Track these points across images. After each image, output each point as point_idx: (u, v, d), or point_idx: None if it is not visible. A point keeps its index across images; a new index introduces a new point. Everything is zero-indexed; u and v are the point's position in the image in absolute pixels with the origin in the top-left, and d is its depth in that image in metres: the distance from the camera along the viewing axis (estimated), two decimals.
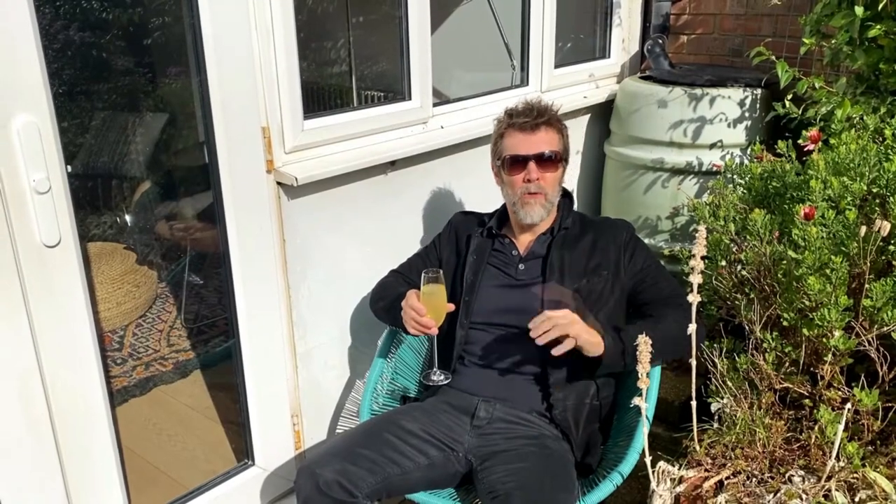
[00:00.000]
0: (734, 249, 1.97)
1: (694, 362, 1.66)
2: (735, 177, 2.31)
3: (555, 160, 1.84)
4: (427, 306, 1.73)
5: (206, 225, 2.80)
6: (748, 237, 1.88)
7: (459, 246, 1.98)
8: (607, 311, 1.81)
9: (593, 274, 1.82)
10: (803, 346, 1.76)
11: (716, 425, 1.82)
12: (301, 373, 2.14)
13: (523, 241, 1.92)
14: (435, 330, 1.75)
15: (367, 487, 1.58)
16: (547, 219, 1.89)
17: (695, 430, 1.78)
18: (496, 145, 1.92)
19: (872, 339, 1.68)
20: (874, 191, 1.86)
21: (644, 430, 1.59)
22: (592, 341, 1.64)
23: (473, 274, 1.89)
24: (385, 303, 1.95)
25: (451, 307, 1.79)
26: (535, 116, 1.85)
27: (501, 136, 1.89)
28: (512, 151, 1.85)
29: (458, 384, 1.83)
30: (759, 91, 2.63)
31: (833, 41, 2.25)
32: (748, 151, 2.58)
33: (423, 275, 1.73)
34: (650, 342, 1.45)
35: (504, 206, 1.98)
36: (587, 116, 3.05)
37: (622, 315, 1.86)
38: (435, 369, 1.82)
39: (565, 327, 1.59)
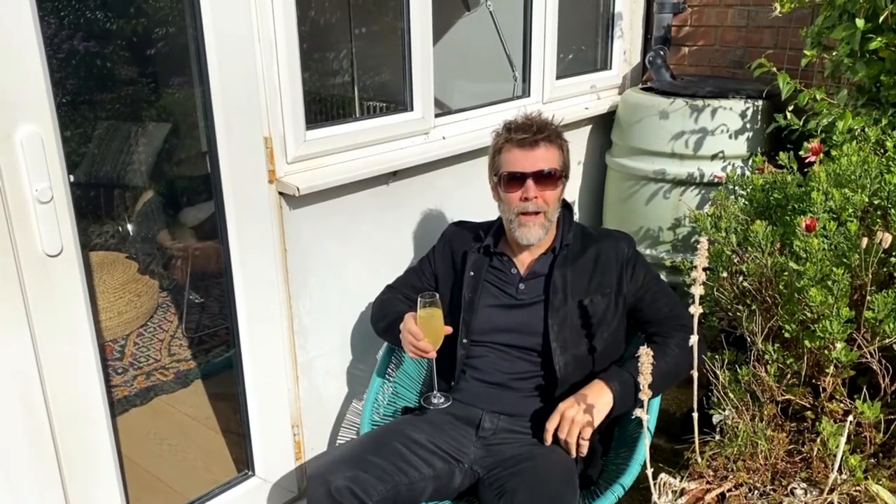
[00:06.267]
0: (735, 261, 1.97)
1: (696, 374, 1.65)
2: (736, 188, 2.32)
3: (554, 177, 1.77)
4: (424, 330, 1.70)
5: (207, 234, 2.81)
6: (749, 248, 1.88)
7: (455, 260, 1.93)
8: (610, 330, 1.79)
9: (596, 293, 1.78)
10: (805, 358, 1.76)
11: (717, 437, 1.81)
12: (302, 382, 2.13)
13: (523, 260, 1.86)
14: (433, 354, 1.73)
15: (378, 495, 1.58)
16: (546, 237, 1.83)
17: (696, 441, 1.78)
18: (494, 160, 1.83)
19: (874, 351, 1.68)
20: (875, 202, 1.86)
21: (646, 441, 1.59)
22: (602, 408, 1.64)
23: (472, 292, 1.84)
24: (385, 323, 1.92)
25: (449, 330, 1.76)
26: (535, 132, 1.76)
27: (499, 150, 1.81)
28: (510, 168, 1.77)
29: (461, 396, 1.82)
30: (760, 103, 2.63)
31: (834, 53, 2.25)
32: (749, 163, 2.58)
33: (419, 299, 1.69)
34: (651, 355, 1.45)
35: (501, 221, 1.91)
36: (588, 127, 3.05)
37: (623, 332, 1.84)
38: (435, 392, 1.81)
39: (577, 422, 1.62)
